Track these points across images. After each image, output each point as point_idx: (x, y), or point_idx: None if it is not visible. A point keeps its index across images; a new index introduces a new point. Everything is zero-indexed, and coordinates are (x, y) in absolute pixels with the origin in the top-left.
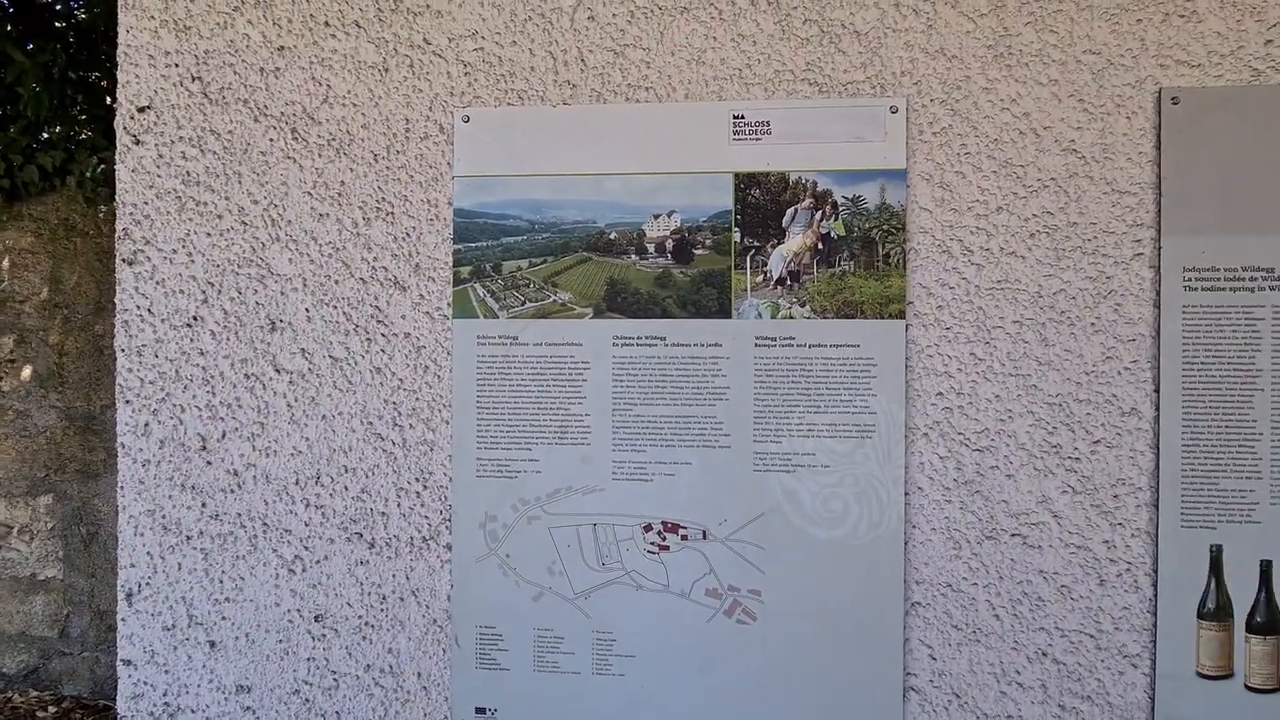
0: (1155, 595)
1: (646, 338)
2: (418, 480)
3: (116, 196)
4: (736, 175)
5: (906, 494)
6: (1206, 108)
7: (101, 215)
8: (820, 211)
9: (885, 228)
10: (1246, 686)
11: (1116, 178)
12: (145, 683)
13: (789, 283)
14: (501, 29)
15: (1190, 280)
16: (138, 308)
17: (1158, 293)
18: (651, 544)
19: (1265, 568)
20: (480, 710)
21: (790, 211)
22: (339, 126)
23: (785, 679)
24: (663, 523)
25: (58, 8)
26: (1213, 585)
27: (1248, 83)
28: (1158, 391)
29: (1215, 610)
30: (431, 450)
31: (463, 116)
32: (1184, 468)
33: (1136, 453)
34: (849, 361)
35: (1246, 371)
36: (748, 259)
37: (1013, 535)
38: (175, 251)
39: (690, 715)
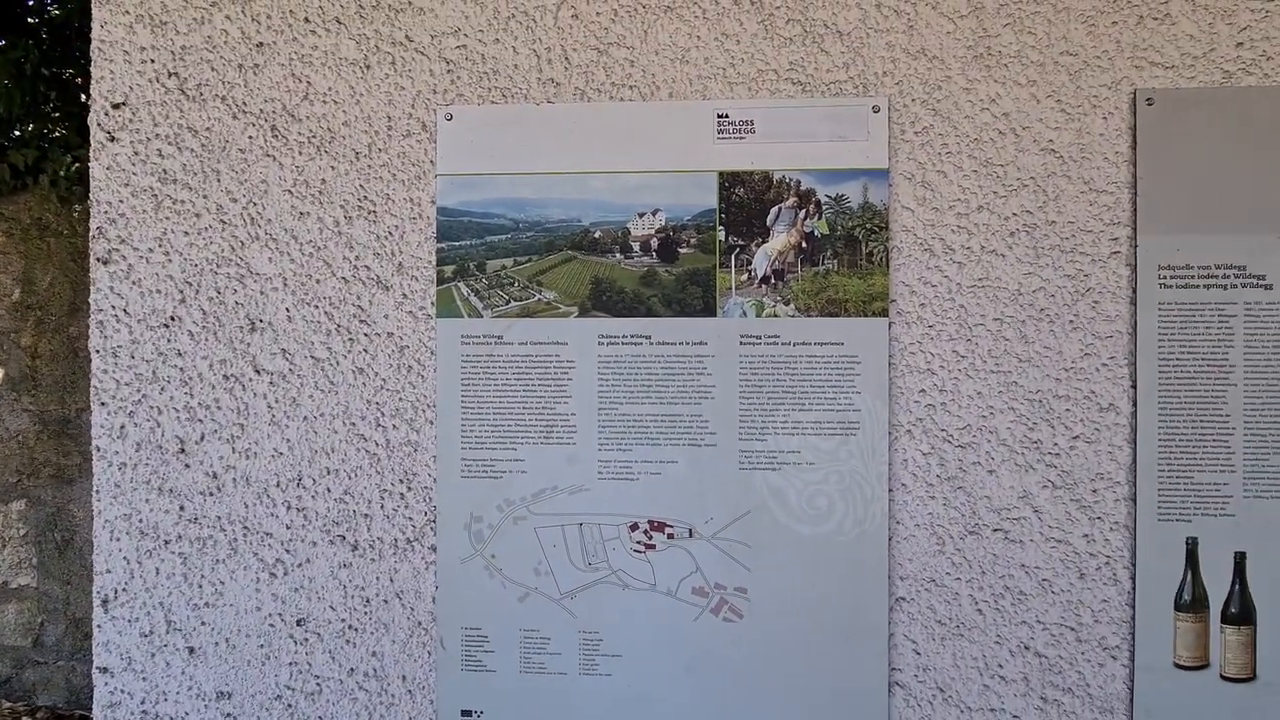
0: (1133, 588)
1: (632, 336)
2: (401, 481)
3: (91, 195)
4: (721, 174)
5: (890, 490)
6: (1180, 109)
7: (76, 214)
8: (804, 210)
9: (868, 226)
10: (1222, 676)
11: (1094, 177)
12: (122, 690)
13: (773, 281)
14: (484, 26)
15: (1165, 278)
16: (113, 308)
17: (1134, 290)
18: (638, 543)
19: (1239, 560)
20: (466, 713)
21: (774, 210)
22: (320, 124)
23: (772, 675)
24: (649, 521)
25: (30, 3)
26: (1189, 577)
27: (1219, 84)
28: (1134, 387)
29: (1191, 602)
30: (415, 451)
31: (445, 114)
32: (1160, 462)
33: (1114, 448)
34: (833, 359)
35: (1220, 367)
36: (732, 257)
37: (995, 530)
38: (152, 250)
39: (678, 713)
